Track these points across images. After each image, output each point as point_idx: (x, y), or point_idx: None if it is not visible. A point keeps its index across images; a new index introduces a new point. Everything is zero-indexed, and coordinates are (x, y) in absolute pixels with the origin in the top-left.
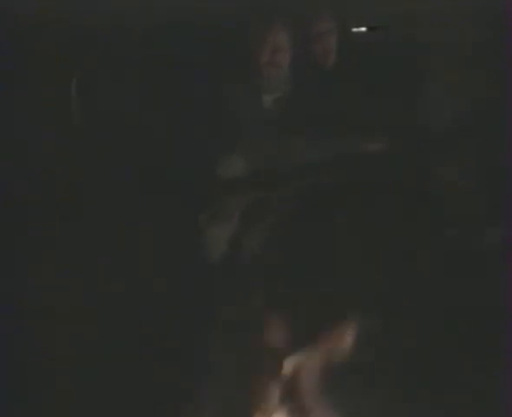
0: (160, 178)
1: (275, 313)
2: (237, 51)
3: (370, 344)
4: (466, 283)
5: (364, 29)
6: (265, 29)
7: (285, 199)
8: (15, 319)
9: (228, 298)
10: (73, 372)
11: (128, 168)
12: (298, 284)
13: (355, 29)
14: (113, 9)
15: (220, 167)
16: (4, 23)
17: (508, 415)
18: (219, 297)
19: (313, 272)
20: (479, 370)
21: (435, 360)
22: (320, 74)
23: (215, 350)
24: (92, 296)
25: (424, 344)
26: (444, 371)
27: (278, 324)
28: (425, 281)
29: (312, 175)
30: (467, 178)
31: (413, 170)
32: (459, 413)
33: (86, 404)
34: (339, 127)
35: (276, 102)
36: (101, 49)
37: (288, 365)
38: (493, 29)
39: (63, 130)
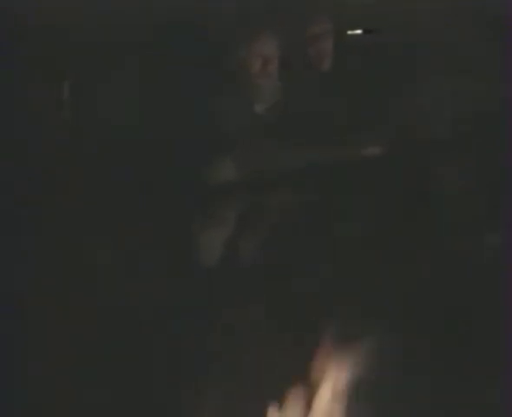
0: (154, 182)
1: (272, 318)
2: (228, 61)
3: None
4: (465, 286)
5: (359, 31)
6: (256, 39)
7: (282, 204)
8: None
9: (224, 302)
10: (67, 380)
11: (122, 171)
12: (296, 288)
13: (350, 32)
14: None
15: (216, 171)
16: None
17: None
18: (215, 301)
19: (310, 275)
20: (478, 374)
21: (434, 364)
22: (315, 78)
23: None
24: (87, 301)
25: (424, 348)
26: (443, 375)
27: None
28: (424, 286)
29: (309, 180)
30: (466, 181)
31: (411, 173)
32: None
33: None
34: (335, 131)
35: (270, 108)
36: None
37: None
38: (493, 29)
39: (55, 130)
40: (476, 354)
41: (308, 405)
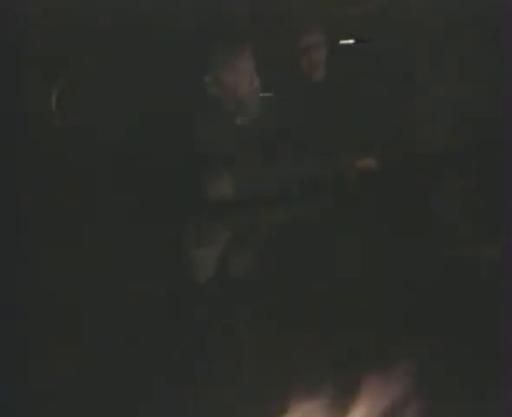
0: (144, 201)
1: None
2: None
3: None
4: (465, 291)
5: (351, 41)
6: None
7: (274, 219)
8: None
9: (215, 318)
10: (66, 380)
11: (115, 188)
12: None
13: (343, 42)
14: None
15: (207, 189)
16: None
17: None
18: (206, 317)
19: (309, 289)
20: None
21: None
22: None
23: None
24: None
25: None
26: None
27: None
28: (425, 296)
29: (302, 193)
30: (466, 181)
31: (408, 184)
32: None
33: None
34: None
35: (260, 121)
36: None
37: None
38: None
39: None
40: (476, 356)
41: None
